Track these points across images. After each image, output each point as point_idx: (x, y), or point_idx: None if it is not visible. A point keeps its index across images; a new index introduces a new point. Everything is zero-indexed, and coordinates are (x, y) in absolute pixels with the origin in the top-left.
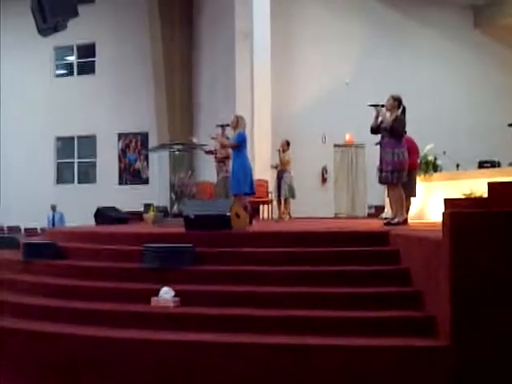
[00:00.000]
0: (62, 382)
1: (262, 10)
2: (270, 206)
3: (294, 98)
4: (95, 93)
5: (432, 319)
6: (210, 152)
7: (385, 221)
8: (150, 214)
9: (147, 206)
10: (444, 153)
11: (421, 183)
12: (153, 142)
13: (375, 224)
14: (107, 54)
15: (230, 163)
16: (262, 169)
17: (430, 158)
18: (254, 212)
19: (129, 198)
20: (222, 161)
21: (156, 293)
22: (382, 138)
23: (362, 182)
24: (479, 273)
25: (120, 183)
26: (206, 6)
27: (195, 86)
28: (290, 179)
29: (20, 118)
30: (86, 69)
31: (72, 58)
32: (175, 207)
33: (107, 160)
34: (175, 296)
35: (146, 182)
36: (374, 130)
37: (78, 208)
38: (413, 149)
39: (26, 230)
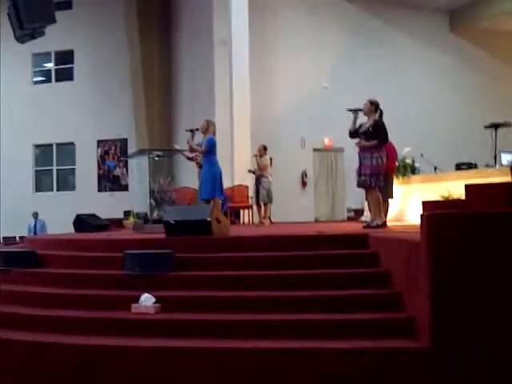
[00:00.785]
0: None
1: (240, 18)
2: (250, 210)
3: (273, 104)
4: (73, 99)
5: (412, 320)
6: (191, 158)
7: (364, 224)
8: (130, 221)
9: (127, 213)
10: (422, 155)
11: (399, 186)
12: (132, 148)
13: (354, 227)
14: (85, 60)
15: None
16: (242, 174)
17: (408, 160)
18: (235, 217)
19: (108, 205)
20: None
21: (136, 299)
22: (360, 142)
23: (342, 185)
24: (458, 273)
25: (99, 190)
26: (185, 14)
27: (174, 93)
28: (267, 184)
29: None
30: (65, 75)
31: (50, 65)
32: (155, 213)
33: (86, 167)
34: (156, 302)
35: (125, 188)
36: (352, 134)
37: (57, 216)
38: (391, 152)
39: (4, 238)
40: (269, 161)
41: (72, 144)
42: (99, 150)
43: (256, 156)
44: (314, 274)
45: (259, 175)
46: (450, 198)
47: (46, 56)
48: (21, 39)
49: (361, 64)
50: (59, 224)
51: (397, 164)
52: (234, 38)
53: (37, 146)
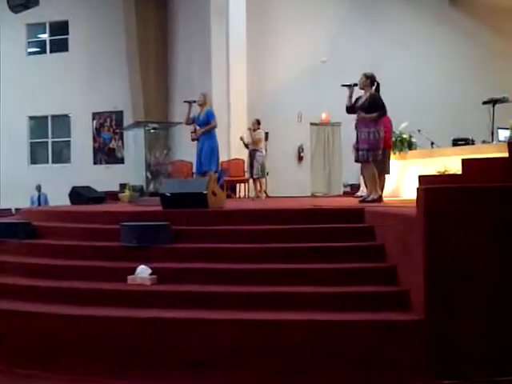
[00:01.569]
0: (39, 361)
1: None
2: (246, 184)
3: (271, 77)
4: (68, 71)
5: (406, 293)
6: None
7: (360, 198)
8: (126, 193)
9: (123, 186)
10: (419, 131)
11: (395, 161)
12: (128, 120)
13: (350, 202)
14: (80, 31)
15: None
16: (238, 148)
17: (405, 135)
18: (231, 191)
19: (104, 178)
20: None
21: (133, 271)
22: (359, 115)
23: (338, 160)
24: (452, 247)
25: (95, 163)
26: None
27: (170, 64)
28: (261, 158)
29: None
30: (59, 47)
31: (45, 36)
32: (151, 186)
33: (82, 139)
34: (152, 274)
35: (121, 161)
36: (349, 109)
37: (52, 188)
38: (388, 127)
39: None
40: (263, 135)
41: (67, 116)
42: (94, 123)
43: (250, 130)
44: (309, 247)
45: (253, 149)
46: (446, 173)
47: (40, 27)
48: (15, 9)
49: (360, 38)
50: (55, 196)
51: (393, 139)
52: (231, 8)
53: (31, 118)
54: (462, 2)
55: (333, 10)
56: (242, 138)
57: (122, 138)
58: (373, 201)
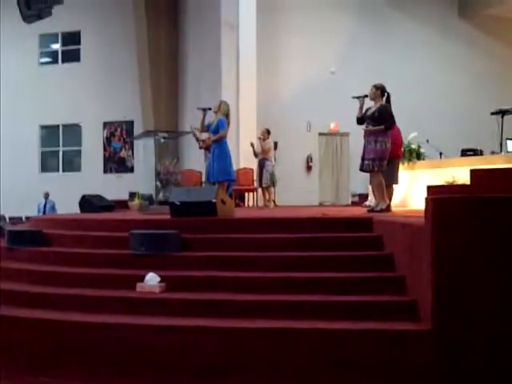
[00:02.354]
0: (47, 368)
1: (247, 1)
2: (255, 193)
3: (280, 87)
4: (80, 81)
5: (414, 303)
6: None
7: (368, 208)
8: (136, 202)
9: (132, 194)
10: (427, 141)
11: (404, 171)
12: (138, 130)
13: (359, 211)
14: (92, 41)
15: None
16: (247, 157)
17: (414, 146)
18: (240, 200)
19: (114, 187)
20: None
21: (141, 279)
22: (367, 126)
23: (347, 170)
24: (461, 258)
25: (105, 172)
26: None
27: (181, 75)
28: (271, 167)
29: (4, 106)
30: (71, 57)
31: (57, 46)
32: (160, 195)
33: (92, 148)
34: (161, 282)
35: (130, 170)
36: (360, 120)
37: (63, 196)
38: (397, 137)
39: (10, 218)
40: (272, 144)
41: (78, 125)
42: (105, 132)
43: (260, 139)
44: (318, 256)
45: (262, 158)
46: (455, 184)
47: (52, 37)
48: (28, 19)
49: (369, 49)
50: (65, 205)
51: (402, 149)
52: (241, 21)
53: (43, 127)
54: (470, 14)
55: (342, 22)
56: (252, 145)
57: (132, 148)
58: (381, 210)
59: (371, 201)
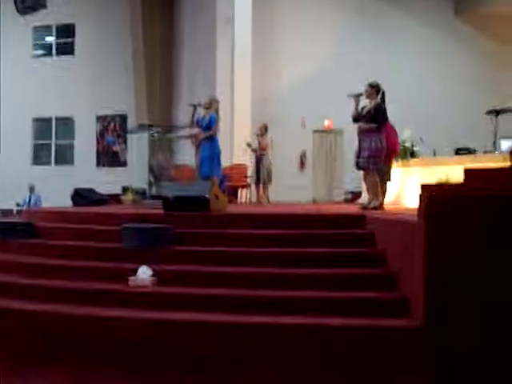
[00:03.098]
0: (38, 360)
1: None
2: (248, 190)
3: (275, 83)
4: (74, 74)
5: (406, 300)
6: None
7: (361, 206)
8: (129, 196)
9: (125, 189)
10: (421, 139)
11: (397, 169)
12: (131, 124)
13: (352, 208)
14: (87, 34)
15: None
16: (241, 153)
17: (407, 144)
18: (233, 196)
19: (107, 181)
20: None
21: (134, 272)
22: (361, 124)
23: (340, 167)
24: (453, 255)
25: (98, 165)
26: None
27: (175, 69)
28: (268, 163)
29: None
30: (65, 50)
31: (51, 39)
32: (153, 189)
33: (85, 142)
34: (153, 275)
35: (124, 164)
36: (356, 119)
37: (54, 189)
38: (390, 135)
39: (1, 211)
40: (269, 140)
41: (71, 118)
42: (98, 126)
43: (257, 135)
44: (311, 252)
45: (260, 154)
46: (448, 183)
47: (46, 29)
48: (22, 11)
49: (363, 46)
50: (56, 198)
51: (401, 147)
52: (237, 15)
53: (36, 120)
54: (466, 12)
55: (337, 19)
56: (249, 145)
57: (125, 142)
58: (374, 208)
59: (364, 198)
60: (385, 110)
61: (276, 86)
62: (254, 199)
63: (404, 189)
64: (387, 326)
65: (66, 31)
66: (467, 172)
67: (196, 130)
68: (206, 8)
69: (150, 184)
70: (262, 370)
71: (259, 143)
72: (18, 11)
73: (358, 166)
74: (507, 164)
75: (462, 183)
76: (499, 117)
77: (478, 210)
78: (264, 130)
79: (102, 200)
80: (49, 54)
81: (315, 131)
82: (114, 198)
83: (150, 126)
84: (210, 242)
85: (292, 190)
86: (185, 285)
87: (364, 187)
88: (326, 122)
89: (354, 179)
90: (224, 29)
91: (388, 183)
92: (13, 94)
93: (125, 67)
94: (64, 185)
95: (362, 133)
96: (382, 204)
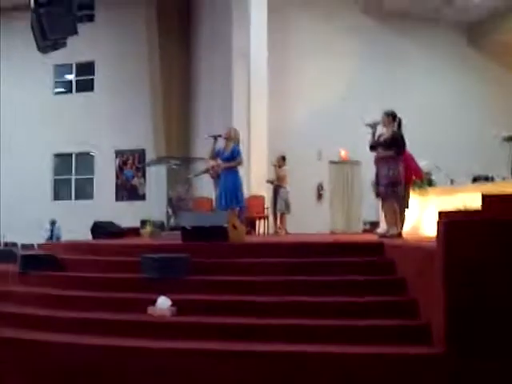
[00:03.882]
0: None
1: (259, 29)
2: (266, 221)
3: (291, 114)
4: (93, 110)
5: (427, 327)
6: (211, 168)
7: (379, 234)
8: (147, 229)
9: (144, 222)
10: (437, 168)
11: (415, 198)
12: (150, 159)
13: (370, 238)
14: (106, 71)
15: None
16: (258, 184)
17: (425, 173)
18: (251, 227)
19: (125, 214)
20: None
21: (153, 302)
22: (379, 152)
23: (358, 198)
24: (473, 280)
25: (117, 199)
26: (205, 27)
27: (192, 104)
28: (285, 194)
29: (18, 134)
30: (85, 86)
31: (71, 76)
32: (172, 221)
33: (104, 177)
34: (172, 305)
35: (142, 198)
36: (373, 147)
37: (75, 224)
38: (408, 162)
39: (22, 245)
40: (287, 172)
41: (90, 154)
42: (117, 160)
43: (275, 166)
44: (330, 281)
45: (277, 185)
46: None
47: (67, 67)
48: (43, 50)
49: (377, 76)
50: (77, 232)
51: (423, 175)
52: (252, 51)
53: (56, 156)
54: (480, 42)
55: (352, 49)
56: (270, 181)
57: (144, 176)
58: (392, 236)
59: (382, 228)
60: (402, 137)
61: (292, 118)
62: (271, 230)
63: (422, 218)
64: (408, 353)
65: (86, 69)
66: (485, 198)
67: (212, 163)
68: (222, 42)
69: (169, 216)
70: None
71: (276, 174)
72: (38, 49)
73: (378, 195)
74: None
75: (479, 210)
76: None
77: (496, 233)
78: (282, 161)
79: (121, 232)
80: (69, 91)
81: (331, 162)
82: (133, 231)
83: (168, 157)
84: (228, 271)
85: (310, 221)
86: (204, 314)
87: (382, 217)
88: (342, 153)
89: (372, 209)
90: (240, 63)
91: (406, 211)
92: (34, 130)
93: (143, 103)
94: (84, 219)
95: (379, 161)
96: (400, 233)
